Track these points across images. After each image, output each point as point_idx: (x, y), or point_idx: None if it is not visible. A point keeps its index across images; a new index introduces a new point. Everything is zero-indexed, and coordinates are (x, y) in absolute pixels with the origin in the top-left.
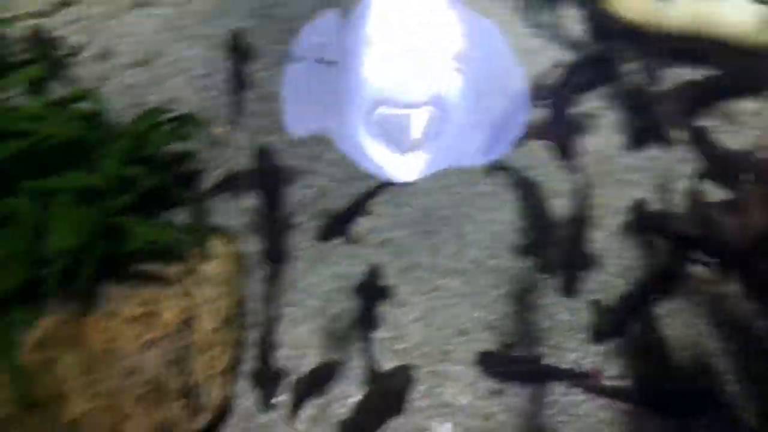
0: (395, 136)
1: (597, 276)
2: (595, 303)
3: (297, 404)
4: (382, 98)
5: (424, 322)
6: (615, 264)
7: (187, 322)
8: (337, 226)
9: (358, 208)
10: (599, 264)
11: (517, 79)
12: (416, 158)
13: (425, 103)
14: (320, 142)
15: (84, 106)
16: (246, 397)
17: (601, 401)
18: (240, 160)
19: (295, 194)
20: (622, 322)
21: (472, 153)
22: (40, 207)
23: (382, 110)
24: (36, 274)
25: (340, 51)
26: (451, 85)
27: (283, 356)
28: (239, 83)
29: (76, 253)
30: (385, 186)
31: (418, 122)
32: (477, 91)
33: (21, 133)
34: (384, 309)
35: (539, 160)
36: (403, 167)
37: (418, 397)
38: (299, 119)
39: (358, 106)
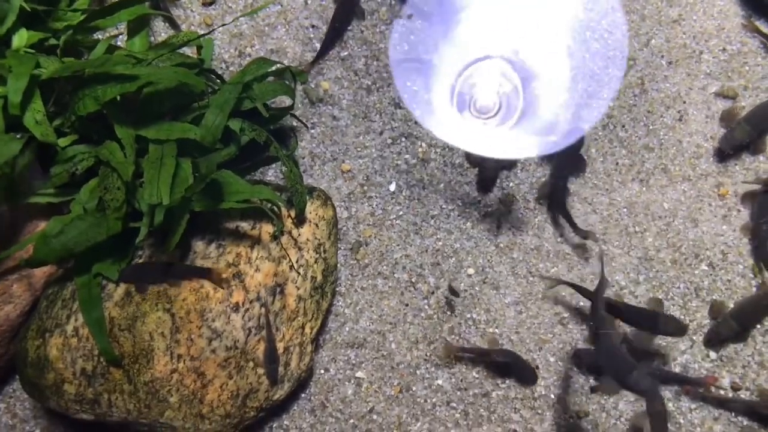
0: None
1: (724, 275)
2: (716, 304)
3: None
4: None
5: (520, 307)
6: (745, 263)
7: (276, 287)
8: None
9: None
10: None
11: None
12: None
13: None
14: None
15: (188, 51)
16: (326, 367)
17: (716, 412)
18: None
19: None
20: (745, 327)
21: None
22: (136, 156)
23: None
24: (127, 226)
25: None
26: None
27: (361, 328)
28: (336, 37)
29: (168, 209)
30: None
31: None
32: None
33: (122, 77)
34: (478, 290)
35: None
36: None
37: (505, 386)
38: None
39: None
